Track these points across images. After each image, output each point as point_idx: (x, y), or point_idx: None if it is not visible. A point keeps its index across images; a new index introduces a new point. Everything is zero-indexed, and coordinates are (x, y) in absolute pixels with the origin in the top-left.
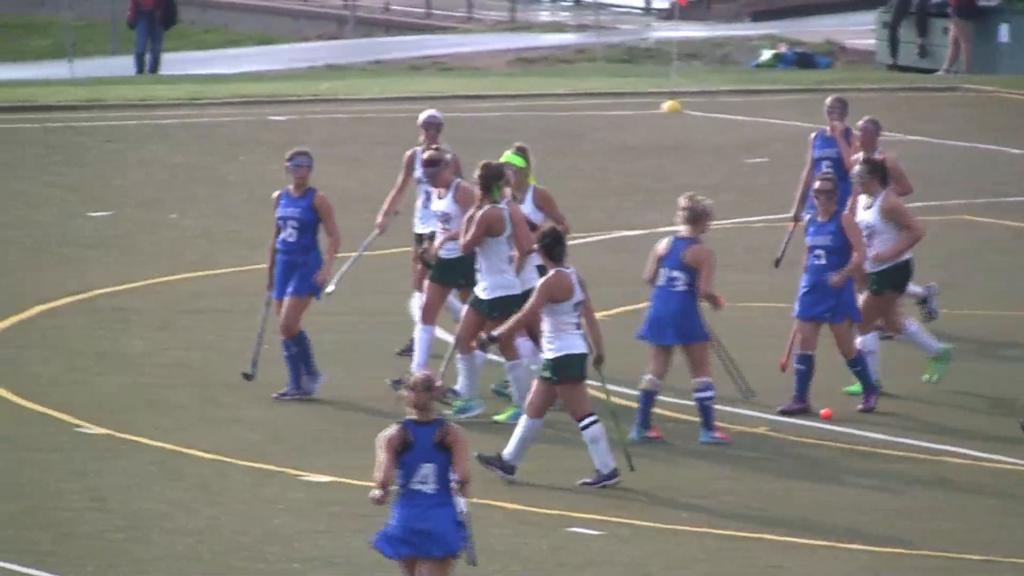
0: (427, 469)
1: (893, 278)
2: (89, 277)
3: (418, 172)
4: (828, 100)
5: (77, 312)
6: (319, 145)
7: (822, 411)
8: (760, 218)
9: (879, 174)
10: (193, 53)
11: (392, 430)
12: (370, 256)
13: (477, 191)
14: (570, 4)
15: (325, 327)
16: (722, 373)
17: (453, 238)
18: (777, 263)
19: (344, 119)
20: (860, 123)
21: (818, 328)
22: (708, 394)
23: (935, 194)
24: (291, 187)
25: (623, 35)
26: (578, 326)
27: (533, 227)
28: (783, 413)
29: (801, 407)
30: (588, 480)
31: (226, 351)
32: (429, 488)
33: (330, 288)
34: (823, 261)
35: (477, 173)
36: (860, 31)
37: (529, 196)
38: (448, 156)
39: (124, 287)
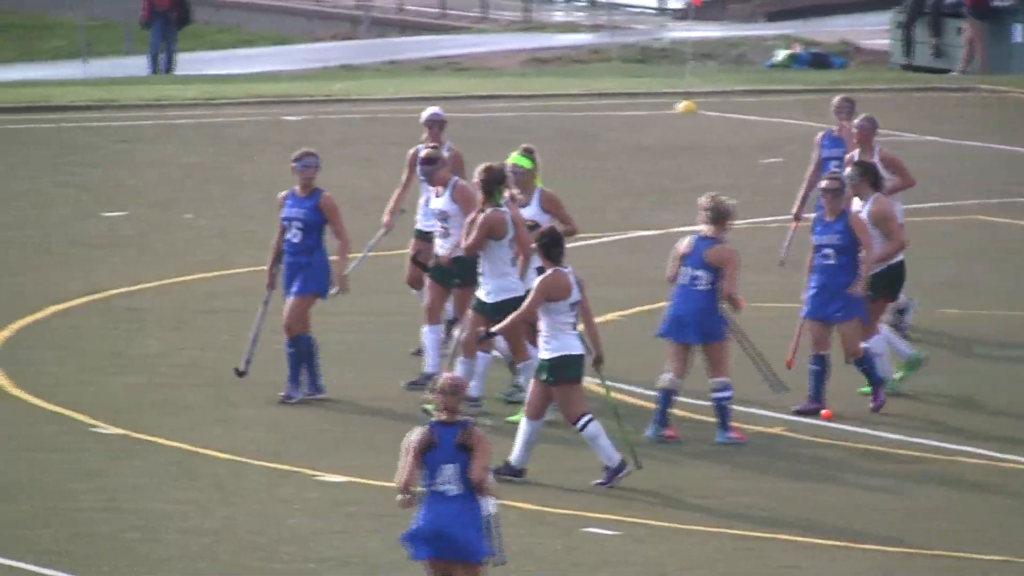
0: (449, 470)
1: (887, 280)
2: (103, 277)
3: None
4: (835, 100)
5: (91, 312)
6: (332, 145)
7: (823, 412)
8: (774, 218)
9: (870, 177)
10: (207, 53)
11: (417, 432)
12: (377, 255)
13: (479, 194)
14: (584, 4)
15: (334, 327)
16: (741, 372)
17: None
18: (781, 263)
19: (358, 119)
20: (856, 121)
21: (830, 328)
22: (726, 394)
23: (949, 194)
24: (297, 188)
25: (637, 35)
26: (574, 326)
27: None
28: (799, 413)
29: (817, 407)
30: (601, 480)
31: (241, 351)
32: (452, 490)
33: (334, 289)
34: (831, 261)
35: (480, 177)
36: (875, 31)
37: (536, 198)
38: (446, 154)
39: (138, 287)
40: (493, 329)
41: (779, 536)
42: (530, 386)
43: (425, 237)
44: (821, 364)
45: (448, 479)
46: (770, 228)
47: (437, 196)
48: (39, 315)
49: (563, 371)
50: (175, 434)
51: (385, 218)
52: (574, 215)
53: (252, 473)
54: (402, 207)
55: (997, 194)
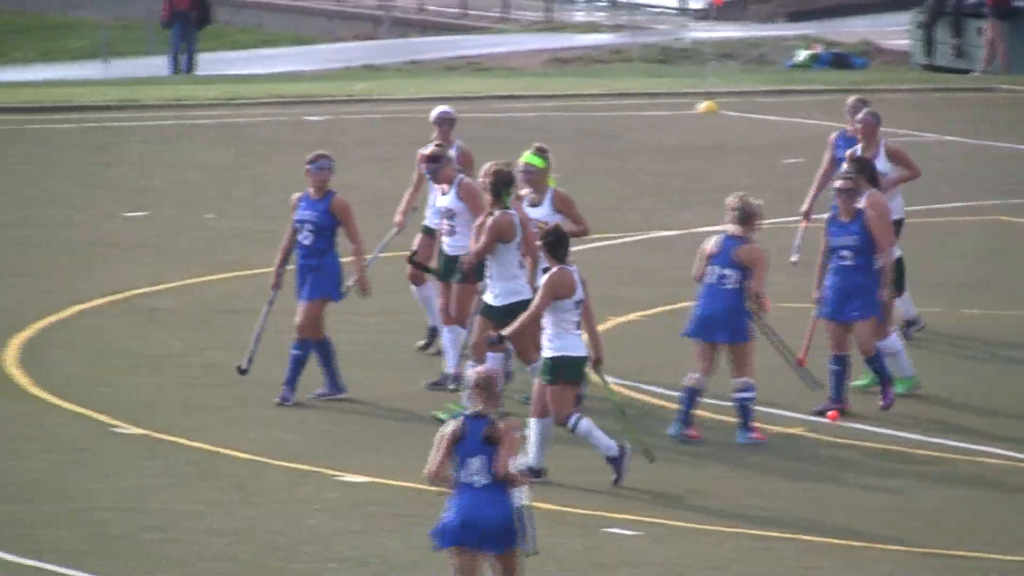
0: (476, 463)
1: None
2: (124, 277)
3: None
4: (850, 100)
5: (112, 312)
6: (354, 145)
7: (829, 413)
8: (795, 219)
9: (867, 173)
10: (228, 53)
11: (451, 423)
12: (390, 255)
13: (487, 196)
14: (606, 4)
15: (350, 328)
16: (761, 373)
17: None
18: (795, 262)
19: (379, 119)
20: (859, 116)
21: (848, 328)
22: (749, 395)
23: (970, 194)
24: (311, 190)
25: (658, 35)
26: (578, 325)
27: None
28: (819, 414)
29: (838, 407)
30: (614, 477)
31: (262, 351)
32: (479, 481)
33: (349, 282)
34: (849, 262)
35: (488, 180)
36: (895, 31)
37: (548, 198)
38: (452, 153)
39: (159, 287)
40: (504, 332)
41: (799, 536)
42: (534, 386)
43: (430, 234)
44: (841, 364)
45: (475, 471)
46: (791, 228)
47: (443, 194)
48: (60, 315)
49: (563, 371)
50: (196, 434)
51: (397, 218)
52: (595, 215)
53: (272, 473)
54: (414, 206)
55: (1018, 194)
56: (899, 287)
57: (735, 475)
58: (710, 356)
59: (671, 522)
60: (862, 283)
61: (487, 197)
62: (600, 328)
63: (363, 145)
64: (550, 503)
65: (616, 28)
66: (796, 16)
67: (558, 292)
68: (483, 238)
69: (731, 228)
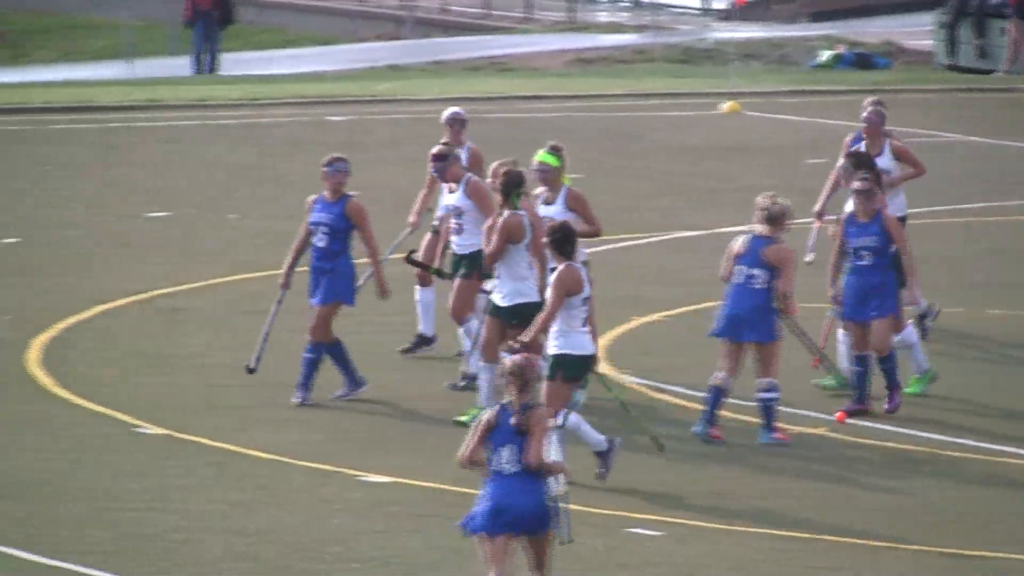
0: (507, 451)
1: None
2: (147, 278)
3: None
4: (866, 101)
5: (135, 313)
6: (378, 146)
7: (837, 414)
8: None
9: (863, 169)
10: (251, 53)
11: (488, 410)
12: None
13: (497, 196)
14: (629, 5)
15: (373, 328)
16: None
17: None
18: (810, 262)
19: (403, 119)
20: (864, 114)
21: (869, 328)
22: (773, 395)
23: (994, 194)
24: (326, 192)
25: (681, 36)
26: (585, 322)
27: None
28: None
29: (860, 408)
30: (601, 469)
31: (284, 351)
32: (510, 469)
33: (360, 281)
34: (867, 262)
35: (499, 180)
36: (919, 31)
37: (562, 196)
38: (460, 152)
39: (182, 287)
40: (524, 339)
41: (823, 537)
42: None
43: (438, 234)
44: (863, 365)
45: (506, 460)
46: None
47: (450, 192)
48: (83, 315)
49: (563, 369)
50: (218, 434)
51: (411, 219)
52: (618, 215)
53: (294, 473)
54: (428, 207)
55: None
56: (900, 282)
57: (757, 475)
58: (736, 356)
59: (693, 522)
60: (880, 282)
61: (496, 197)
62: (624, 328)
63: (386, 146)
64: (573, 503)
65: (639, 28)
66: (819, 16)
67: (569, 289)
68: (494, 240)
69: (759, 228)
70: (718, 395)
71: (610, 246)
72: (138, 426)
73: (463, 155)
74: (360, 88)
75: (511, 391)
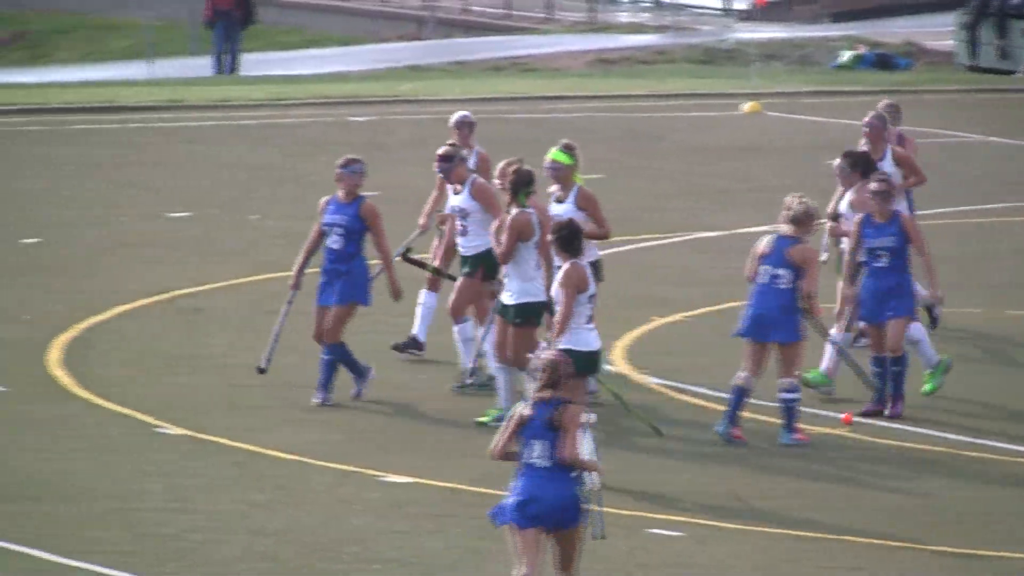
0: (539, 446)
1: None
2: (168, 278)
3: None
4: (881, 104)
5: (156, 313)
6: (400, 146)
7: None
8: None
9: (860, 168)
10: (273, 54)
11: (520, 405)
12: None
13: (505, 196)
14: (650, 5)
15: (390, 329)
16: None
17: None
18: (823, 262)
19: (425, 120)
20: (866, 119)
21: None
22: (795, 395)
23: (1014, 194)
24: (340, 193)
25: (703, 36)
26: (590, 319)
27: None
28: (864, 415)
29: (880, 408)
30: None
31: (305, 351)
32: (543, 463)
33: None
34: (884, 263)
35: (508, 178)
36: (940, 32)
37: (572, 195)
38: (465, 153)
39: (203, 288)
40: (556, 342)
41: (844, 538)
42: None
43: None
44: (882, 366)
45: (538, 455)
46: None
47: (456, 193)
48: (104, 316)
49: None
50: (238, 435)
51: (421, 220)
52: (639, 215)
53: (315, 474)
54: (439, 208)
55: None
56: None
57: (779, 476)
58: (760, 356)
59: (716, 523)
60: (897, 283)
61: (505, 197)
62: (644, 328)
63: (408, 146)
64: (593, 504)
65: (660, 29)
66: (840, 17)
67: (577, 286)
68: (504, 240)
69: (784, 228)
70: (741, 395)
71: (631, 246)
72: (158, 426)
73: (471, 159)
74: (382, 88)
75: (542, 387)
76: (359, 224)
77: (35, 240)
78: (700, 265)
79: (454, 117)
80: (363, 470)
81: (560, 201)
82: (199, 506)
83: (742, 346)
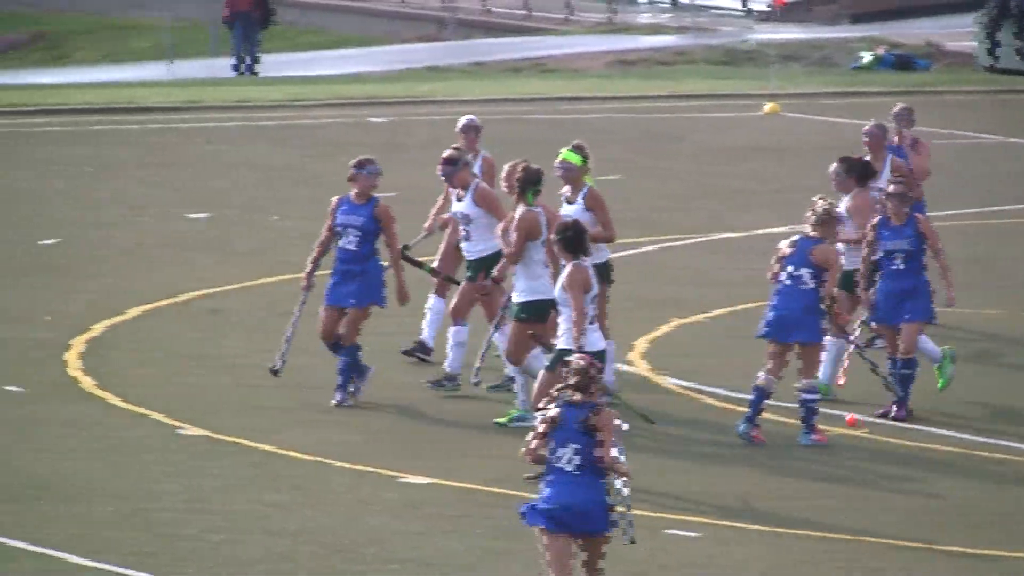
0: (570, 450)
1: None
2: (187, 279)
3: None
4: (895, 108)
5: (175, 313)
6: (418, 147)
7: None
8: None
9: (856, 174)
10: (292, 55)
11: (550, 408)
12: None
13: (514, 195)
14: (669, 6)
15: (407, 330)
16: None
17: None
18: None
19: (444, 120)
20: (866, 128)
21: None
22: (815, 396)
23: None
24: (354, 193)
25: (722, 37)
26: (593, 320)
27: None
28: (882, 416)
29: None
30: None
31: (323, 352)
32: (572, 468)
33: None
34: (899, 265)
35: (516, 176)
36: (959, 33)
37: (582, 196)
38: (468, 157)
39: (222, 288)
40: (582, 350)
41: (863, 539)
42: (540, 377)
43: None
44: (897, 367)
45: (569, 458)
46: None
47: (458, 199)
48: (123, 316)
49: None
50: (256, 435)
51: (427, 223)
52: (658, 216)
53: (333, 474)
54: (446, 212)
55: None
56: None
57: (797, 477)
58: (782, 357)
59: (735, 524)
60: (913, 286)
61: (513, 195)
62: (663, 329)
63: (426, 147)
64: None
65: (680, 30)
66: (859, 18)
67: (584, 287)
68: (513, 240)
69: (808, 229)
70: (761, 396)
71: (650, 247)
72: (177, 427)
73: (477, 163)
74: (401, 89)
75: (573, 390)
76: (374, 225)
77: (54, 241)
78: (719, 266)
79: (461, 121)
80: (380, 471)
81: (570, 202)
82: (216, 507)
83: (764, 347)
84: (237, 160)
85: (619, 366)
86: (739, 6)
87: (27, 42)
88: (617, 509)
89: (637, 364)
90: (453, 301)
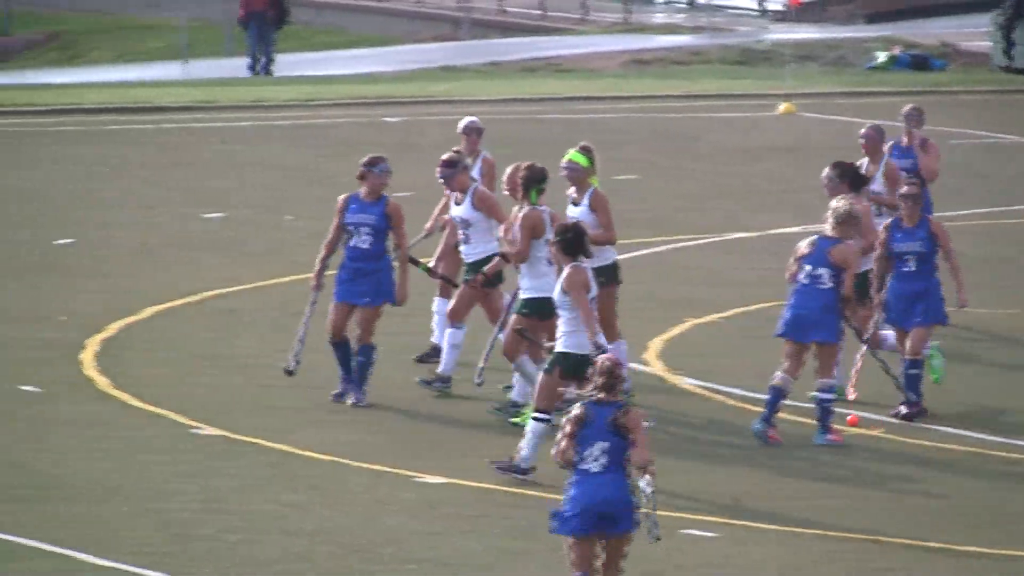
0: (598, 448)
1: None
2: (202, 278)
3: None
4: (905, 108)
5: (190, 313)
6: (432, 148)
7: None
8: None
9: (848, 179)
10: (307, 54)
11: (576, 407)
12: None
13: (518, 193)
14: (685, 6)
15: (422, 330)
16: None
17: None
18: None
19: (458, 121)
20: (863, 130)
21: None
22: (831, 396)
23: None
24: (363, 191)
25: (738, 37)
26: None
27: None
28: (897, 416)
29: (919, 407)
30: (500, 462)
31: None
32: (598, 467)
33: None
34: (911, 267)
35: (521, 175)
36: (975, 33)
37: (587, 197)
38: (467, 161)
39: (237, 288)
40: (603, 347)
41: (878, 539)
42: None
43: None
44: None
45: (595, 457)
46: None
47: (457, 203)
48: (138, 316)
49: (563, 366)
50: (273, 435)
51: (427, 224)
52: (674, 216)
53: (350, 474)
54: (446, 214)
55: None
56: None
57: (813, 477)
58: (799, 356)
59: (751, 524)
60: (925, 288)
61: (514, 198)
62: (678, 329)
63: (441, 147)
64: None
65: (695, 30)
66: (875, 18)
67: (584, 288)
68: (518, 240)
69: (828, 229)
70: (778, 395)
71: (665, 247)
72: (193, 427)
73: (477, 164)
74: (416, 89)
75: (599, 390)
76: (386, 223)
77: (69, 241)
78: (733, 266)
79: (463, 122)
80: (397, 470)
81: (576, 204)
82: (233, 507)
83: (781, 346)
84: (251, 160)
85: (634, 366)
86: (755, 6)
87: (42, 42)
88: (642, 509)
89: (653, 364)
90: (451, 303)
